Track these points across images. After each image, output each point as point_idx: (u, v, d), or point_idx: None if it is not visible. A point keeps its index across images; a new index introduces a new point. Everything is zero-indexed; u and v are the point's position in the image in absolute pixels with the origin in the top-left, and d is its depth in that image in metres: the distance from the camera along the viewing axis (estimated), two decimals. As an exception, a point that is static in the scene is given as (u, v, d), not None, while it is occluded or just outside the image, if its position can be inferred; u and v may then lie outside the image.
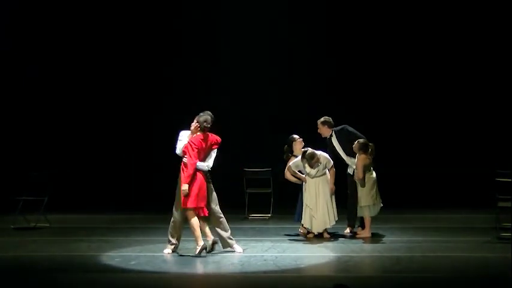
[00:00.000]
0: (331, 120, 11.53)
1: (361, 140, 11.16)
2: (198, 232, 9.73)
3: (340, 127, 11.57)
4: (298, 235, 11.34)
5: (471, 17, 15.81)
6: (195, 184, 9.93)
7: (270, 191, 13.72)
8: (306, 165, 11.02)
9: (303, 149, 11.16)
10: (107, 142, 16.10)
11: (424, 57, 16.13)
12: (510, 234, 10.71)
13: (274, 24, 16.20)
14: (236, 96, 15.99)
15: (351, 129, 11.49)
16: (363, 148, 11.10)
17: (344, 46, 16.16)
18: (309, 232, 11.21)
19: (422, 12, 16.04)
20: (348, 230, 11.47)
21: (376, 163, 11.39)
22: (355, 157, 11.23)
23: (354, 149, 11.15)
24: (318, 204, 10.99)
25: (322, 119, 11.50)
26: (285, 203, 13.48)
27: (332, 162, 11.13)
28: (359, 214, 11.29)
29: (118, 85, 16.31)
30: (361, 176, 11.07)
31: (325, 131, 11.49)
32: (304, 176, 11.14)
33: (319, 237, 11.09)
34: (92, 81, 16.30)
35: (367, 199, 11.13)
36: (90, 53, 16.30)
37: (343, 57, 16.11)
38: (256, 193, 13.79)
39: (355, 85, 16.03)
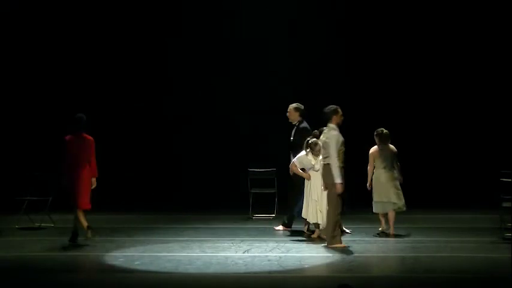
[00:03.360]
0: (303, 108, 11.84)
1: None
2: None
3: (305, 124, 11.73)
4: (302, 234, 11.36)
5: (475, 18, 15.81)
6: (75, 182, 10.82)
7: (274, 191, 13.74)
8: (311, 157, 11.03)
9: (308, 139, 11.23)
10: (110, 143, 16.12)
11: (426, 59, 16.10)
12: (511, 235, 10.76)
13: (278, 22, 16.10)
14: (240, 99, 16.00)
15: (305, 132, 11.62)
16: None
17: (352, 47, 16.13)
18: (312, 232, 11.21)
19: (430, 14, 16.04)
20: (280, 227, 11.79)
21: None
22: (296, 154, 11.39)
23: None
24: (323, 197, 11.00)
25: (295, 105, 11.83)
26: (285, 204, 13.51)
27: None
28: (374, 210, 11.42)
29: (121, 85, 16.31)
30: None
31: (294, 117, 11.83)
32: (307, 174, 11.13)
33: (323, 237, 11.07)
34: (97, 81, 16.29)
35: (376, 195, 11.29)
36: (95, 52, 16.28)
37: (348, 59, 16.09)
38: (261, 193, 13.82)
39: (359, 87, 16.06)
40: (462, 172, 15.30)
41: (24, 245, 11.09)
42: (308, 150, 11.09)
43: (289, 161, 11.49)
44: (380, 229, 11.51)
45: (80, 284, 8.60)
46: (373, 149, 11.53)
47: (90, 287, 8.49)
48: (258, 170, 13.82)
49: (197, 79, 16.50)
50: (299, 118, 11.81)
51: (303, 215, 11.21)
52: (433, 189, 15.25)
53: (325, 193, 11.00)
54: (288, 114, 11.87)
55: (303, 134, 11.55)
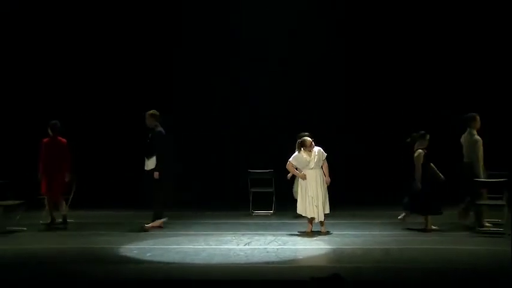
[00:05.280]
0: (158, 114, 11.79)
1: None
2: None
3: (160, 129, 11.68)
4: (296, 228, 11.31)
5: (476, 20, 14.95)
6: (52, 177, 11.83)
7: (272, 190, 13.69)
8: (305, 154, 10.96)
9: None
10: (122, 146, 15.74)
11: (424, 59, 15.29)
12: (486, 229, 10.79)
13: (277, 28, 15.43)
14: (242, 105, 15.77)
15: (161, 139, 11.65)
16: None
17: (352, 47, 15.45)
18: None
19: (431, 15, 15.25)
20: (148, 225, 11.63)
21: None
22: (150, 158, 11.59)
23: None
24: (318, 193, 10.96)
25: (151, 112, 11.80)
26: (285, 201, 13.44)
27: (326, 154, 11.10)
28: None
29: (135, 87, 15.76)
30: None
31: (150, 122, 11.77)
32: (302, 173, 11.04)
33: (317, 231, 11.07)
34: (111, 83, 15.76)
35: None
36: (96, 53, 15.67)
37: (348, 60, 15.47)
38: (260, 192, 13.76)
39: (359, 87, 15.53)
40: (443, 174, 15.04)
41: (48, 238, 11.11)
42: (301, 148, 10.98)
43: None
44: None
45: (97, 274, 8.57)
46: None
47: (106, 277, 8.44)
48: (257, 171, 13.77)
49: (200, 86, 15.95)
50: (155, 123, 11.75)
51: (299, 211, 11.15)
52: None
53: (319, 190, 10.95)
54: (146, 120, 11.82)
55: (158, 138, 11.64)
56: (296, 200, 11.44)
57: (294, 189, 12.56)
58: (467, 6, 14.98)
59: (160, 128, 11.75)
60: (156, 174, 11.58)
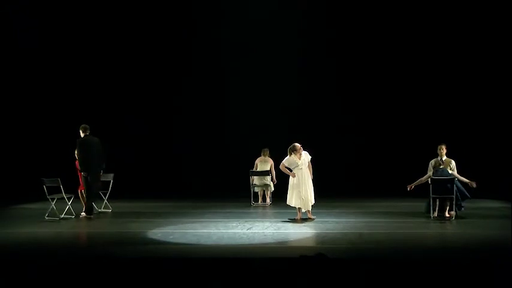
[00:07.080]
0: (87, 127, 11.73)
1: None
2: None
3: (84, 138, 11.69)
4: (288, 218, 11.40)
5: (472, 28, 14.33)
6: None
7: (269, 186, 13.85)
8: (296, 157, 11.10)
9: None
10: (142, 147, 15.53)
11: (413, 57, 14.67)
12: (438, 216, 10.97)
13: (278, 36, 14.88)
14: (244, 111, 15.60)
15: (85, 146, 11.67)
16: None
17: (345, 56, 14.98)
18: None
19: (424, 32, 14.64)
20: (84, 214, 11.72)
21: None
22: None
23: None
24: (306, 188, 11.09)
25: (82, 125, 11.80)
26: (279, 195, 13.54)
27: (310, 157, 11.24)
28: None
29: (138, 88, 15.29)
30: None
31: (80, 132, 11.79)
32: (292, 172, 11.14)
33: (305, 219, 11.18)
34: (116, 86, 15.26)
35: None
36: (108, 58, 15.15)
37: (340, 67, 15.06)
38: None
39: (349, 89, 15.08)
40: (407, 171, 14.82)
41: (90, 224, 11.17)
42: (292, 153, 11.16)
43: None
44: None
45: (128, 253, 8.56)
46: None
47: (136, 255, 8.41)
48: (257, 170, 13.87)
49: (201, 83, 15.39)
50: (84, 133, 11.78)
51: (288, 202, 11.27)
52: (383, 181, 14.91)
53: (307, 185, 11.07)
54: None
55: (80, 145, 11.68)
56: (255, 192, 13.35)
57: (253, 183, 13.50)
58: (465, 11, 14.40)
59: (86, 138, 11.74)
60: (84, 174, 11.71)
